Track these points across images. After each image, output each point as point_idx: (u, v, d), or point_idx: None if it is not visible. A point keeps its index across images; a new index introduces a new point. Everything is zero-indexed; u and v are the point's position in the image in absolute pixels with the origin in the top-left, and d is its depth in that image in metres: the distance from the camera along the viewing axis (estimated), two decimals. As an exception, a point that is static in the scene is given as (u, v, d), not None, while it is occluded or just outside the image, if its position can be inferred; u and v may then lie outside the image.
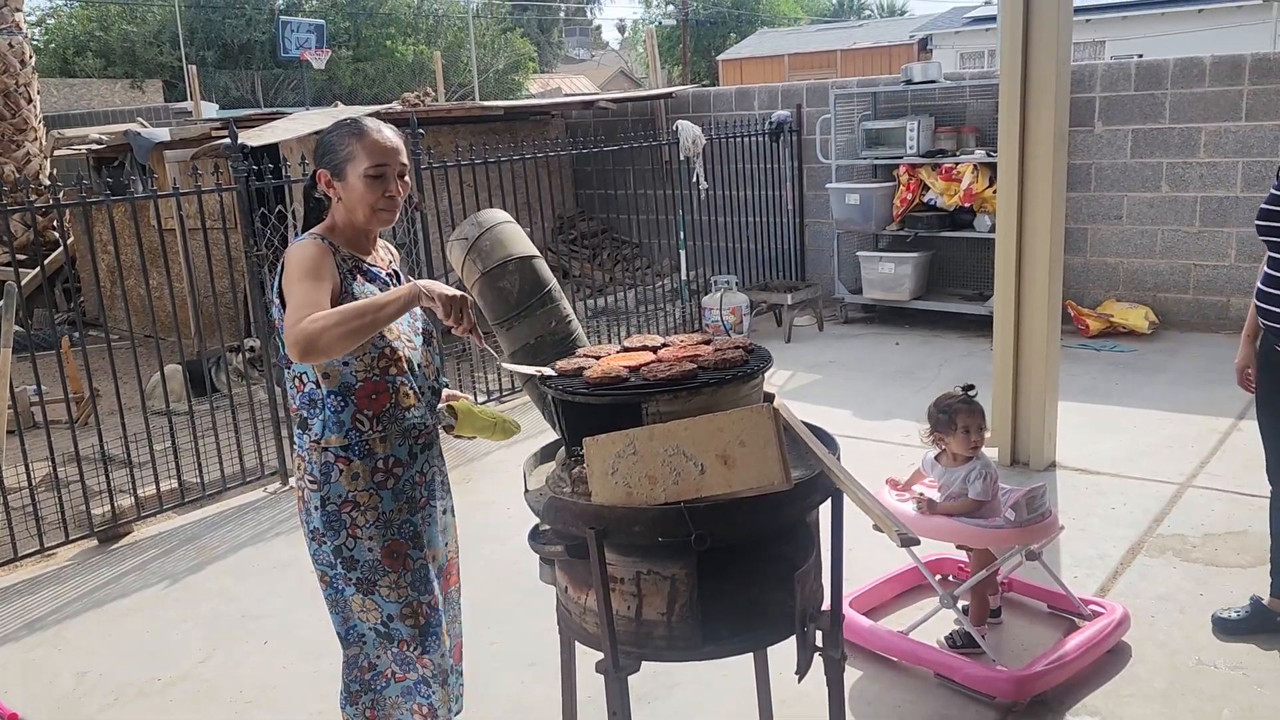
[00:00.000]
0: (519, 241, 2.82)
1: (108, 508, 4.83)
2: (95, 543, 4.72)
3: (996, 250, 5.05)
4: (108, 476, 4.84)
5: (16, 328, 5.48)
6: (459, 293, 2.25)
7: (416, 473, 2.53)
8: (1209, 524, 4.28)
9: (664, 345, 2.42)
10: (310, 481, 2.44)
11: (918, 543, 1.89)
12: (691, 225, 8.28)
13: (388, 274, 2.55)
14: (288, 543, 4.59)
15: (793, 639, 2.11)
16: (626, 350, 2.42)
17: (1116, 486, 4.74)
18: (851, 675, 3.35)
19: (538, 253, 2.85)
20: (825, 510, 2.25)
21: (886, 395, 6.35)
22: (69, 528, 4.68)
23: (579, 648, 2.43)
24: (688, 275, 8.24)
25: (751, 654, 2.77)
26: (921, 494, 3.49)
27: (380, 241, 2.57)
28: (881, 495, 3.60)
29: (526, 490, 2.30)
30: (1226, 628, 3.43)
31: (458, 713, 2.73)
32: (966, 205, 7.75)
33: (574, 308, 2.46)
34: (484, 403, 2.70)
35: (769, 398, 2.31)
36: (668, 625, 2.10)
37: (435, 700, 2.57)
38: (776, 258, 9.09)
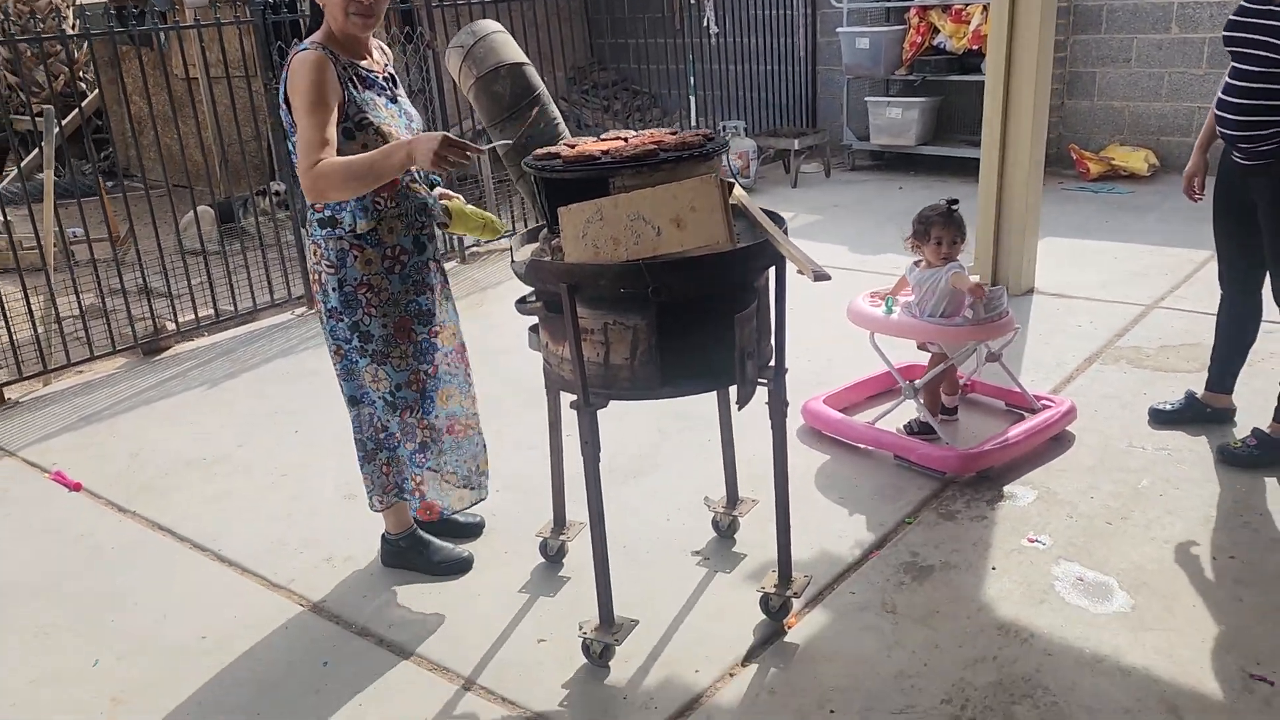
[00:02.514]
0: (510, 49, 3.07)
1: (150, 326, 5.25)
2: (140, 355, 5.15)
3: (986, 88, 5.21)
4: (149, 302, 5.26)
5: (55, 176, 5.80)
6: (439, 147, 2.40)
7: (422, 260, 2.88)
8: (1166, 337, 4.58)
9: (635, 136, 2.70)
10: (329, 267, 2.79)
11: (828, 278, 2.20)
12: (703, 73, 8.38)
13: (384, 77, 2.83)
14: (316, 355, 5.00)
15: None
16: (601, 139, 2.70)
17: (1087, 308, 5.03)
18: (818, 460, 3.74)
19: (527, 60, 3.09)
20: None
21: (883, 234, 6.60)
22: (116, 341, 5.10)
23: (564, 429, 2.81)
24: (696, 122, 8.39)
25: (725, 446, 3.15)
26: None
27: (375, 43, 2.84)
28: (857, 301, 3.92)
29: (513, 261, 2.63)
30: (1160, 417, 3.77)
31: (482, 473, 3.14)
32: (975, 48, 7.79)
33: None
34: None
35: (729, 187, 2.60)
36: (631, 369, 2.45)
37: (436, 463, 2.98)
38: (787, 106, 9.18)
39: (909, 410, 3.84)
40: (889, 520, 3.29)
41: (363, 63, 2.76)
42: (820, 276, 2.18)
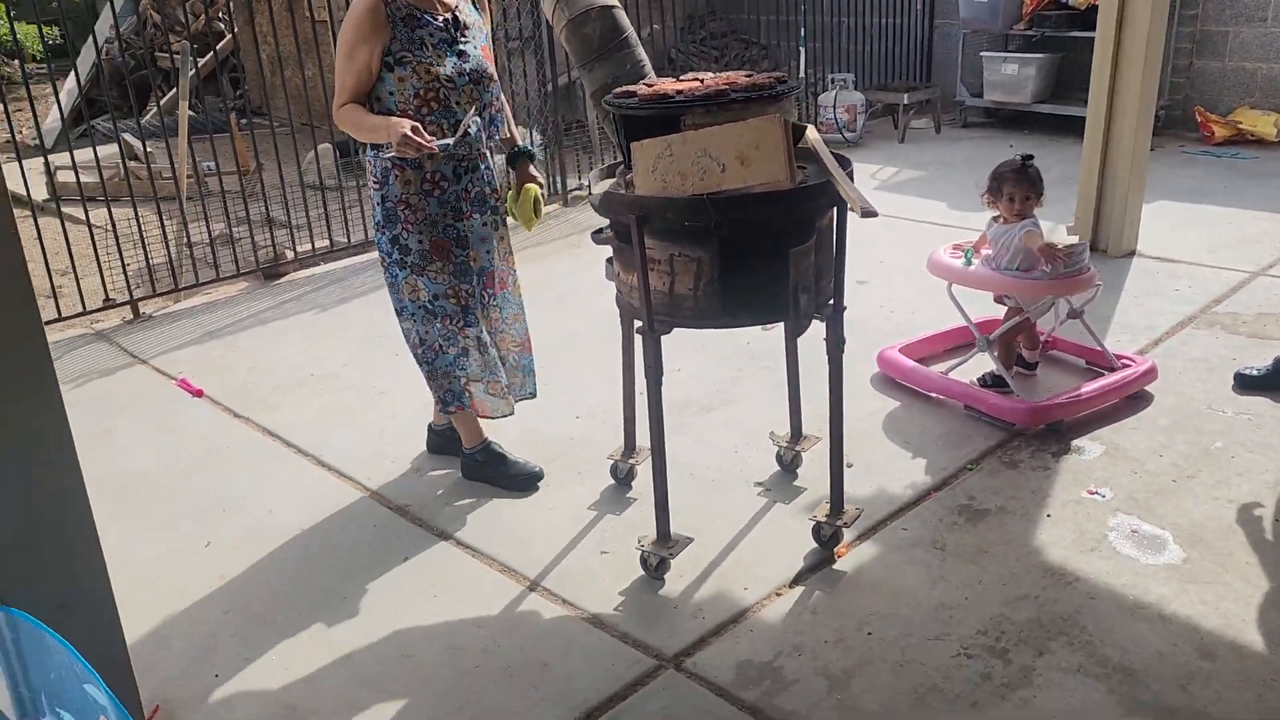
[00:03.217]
0: (601, -8, 3.20)
1: (271, 253, 5.63)
2: (260, 280, 5.54)
3: (1096, 41, 5.09)
4: (271, 232, 5.63)
5: (190, 112, 6.22)
6: (401, 137, 2.79)
7: (460, 189, 3.08)
8: (1267, 305, 4.46)
9: (712, 78, 2.82)
10: (375, 183, 3.08)
11: (875, 214, 2.30)
12: (816, 25, 8.32)
13: (445, 20, 3.01)
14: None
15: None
16: (679, 80, 2.82)
17: (1188, 273, 4.91)
18: (889, 405, 3.82)
19: (617, 3, 3.22)
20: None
21: (986, 191, 6.50)
22: (239, 266, 5.49)
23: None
24: (805, 73, 8.35)
25: (790, 381, 3.27)
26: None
27: None
28: (938, 252, 3.95)
29: (589, 194, 2.79)
30: (1245, 381, 3.71)
31: (531, 393, 3.38)
32: (1098, 4, 7.52)
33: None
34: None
35: (801, 129, 2.70)
36: (694, 299, 2.59)
37: (475, 368, 3.20)
38: (900, 59, 9.04)
39: (987, 364, 3.87)
40: (950, 466, 3.37)
41: (424, 6, 2.96)
42: (868, 213, 2.27)
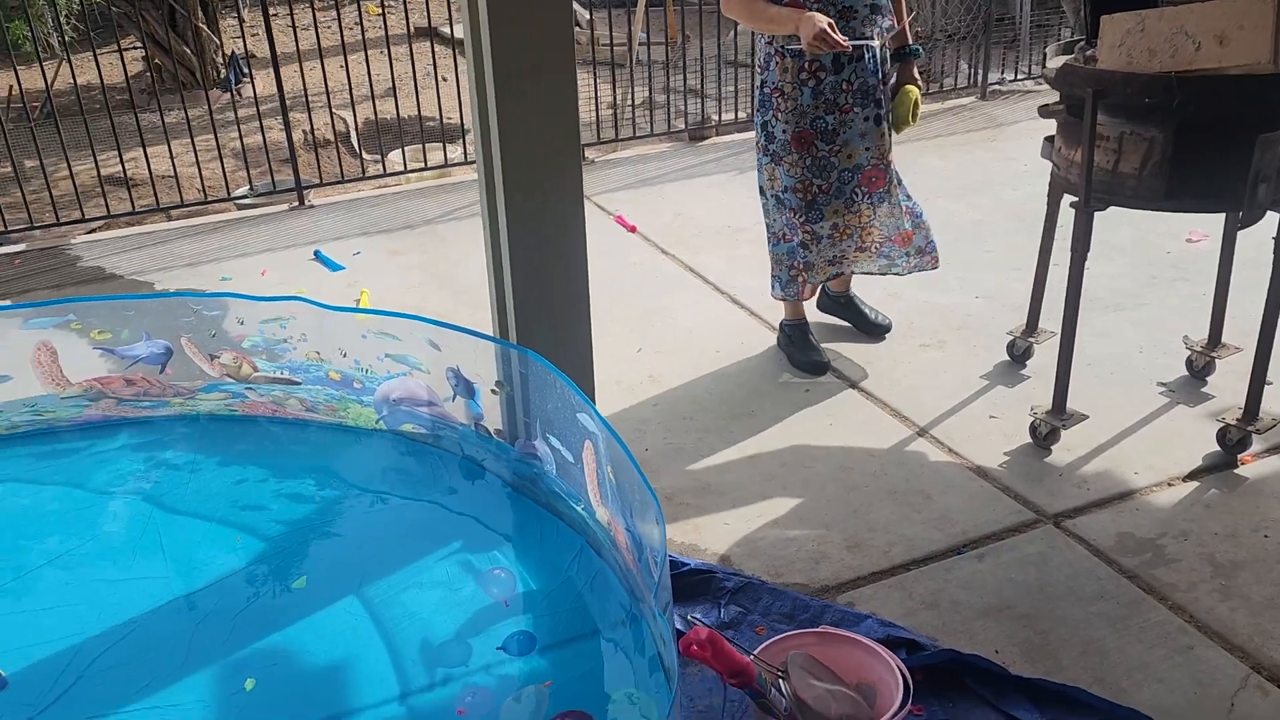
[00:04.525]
0: None
1: (699, 118, 6.12)
2: (686, 140, 6.05)
3: None
4: (701, 100, 6.10)
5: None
6: (815, 33, 2.88)
7: (841, 80, 3.12)
8: None
9: (1199, -44, 2.74)
10: (759, 68, 3.24)
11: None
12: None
13: None
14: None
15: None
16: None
17: None
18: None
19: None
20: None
21: None
22: (670, 126, 6.03)
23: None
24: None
25: (1219, 281, 3.16)
26: None
27: None
28: None
29: (1044, 67, 2.85)
30: None
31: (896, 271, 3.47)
32: None
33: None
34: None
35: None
36: (1138, 179, 2.61)
37: (809, 258, 3.34)
38: None
39: None
40: (1391, 401, 3.12)
41: None
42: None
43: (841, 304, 3.68)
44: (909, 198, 3.39)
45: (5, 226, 5.08)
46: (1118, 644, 2.27)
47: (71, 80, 5.98)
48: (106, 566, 2.57)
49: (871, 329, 3.63)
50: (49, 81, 5.59)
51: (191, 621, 2.37)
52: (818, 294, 3.66)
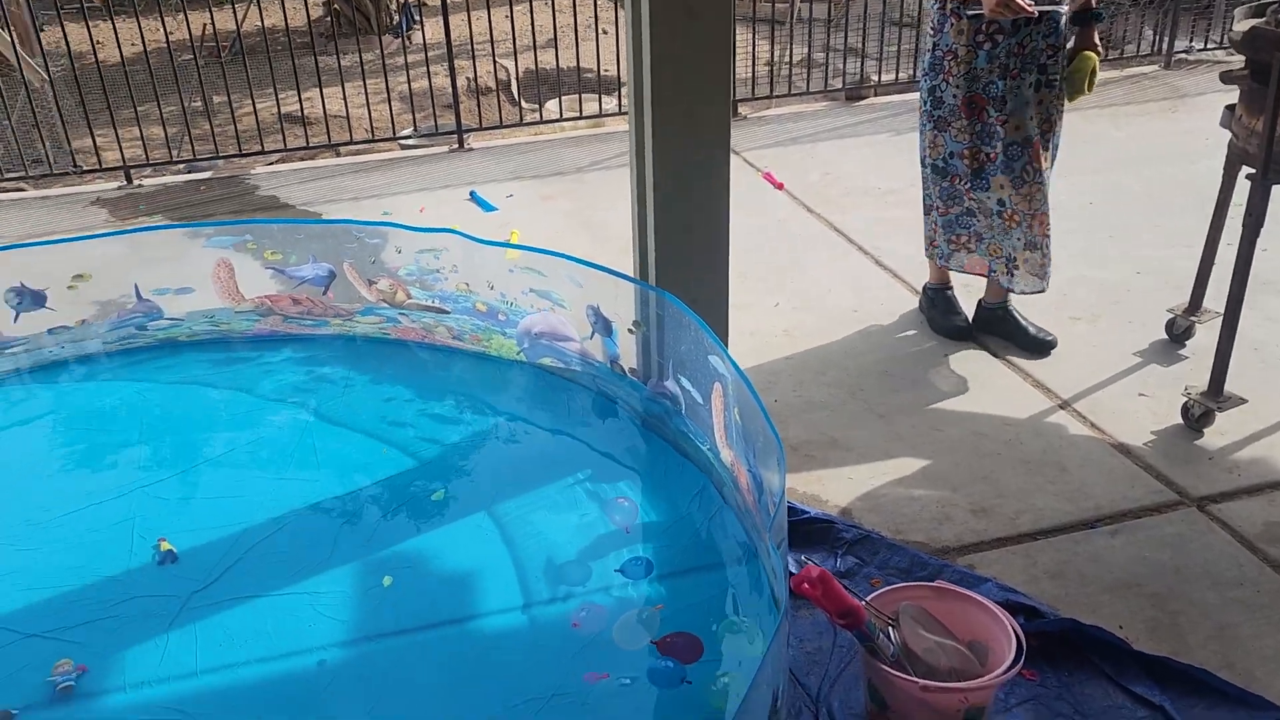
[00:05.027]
0: None
1: (858, 77, 6.00)
2: (842, 100, 5.95)
3: None
4: (861, 60, 5.98)
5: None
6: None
7: (1015, 42, 2.96)
8: None
9: None
10: (931, 30, 3.10)
11: None
12: None
13: None
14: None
15: None
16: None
17: None
18: None
19: None
20: None
21: None
22: (827, 85, 5.95)
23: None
24: None
25: None
26: None
27: None
28: None
29: (1231, 30, 2.69)
30: None
31: (1014, 266, 3.22)
32: None
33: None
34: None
35: None
36: (1324, 150, 2.45)
37: (978, 228, 3.19)
38: None
39: None
40: None
41: None
42: None
43: (999, 316, 3.35)
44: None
45: (194, 155, 5.48)
46: (1253, 631, 2.18)
47: (260, 22, 6.33)
48: (266, 465, 2.79)
49: (1033, 346, 3.27)
50: (239, 22, 5.96)
51: (338, 521, 2.55)
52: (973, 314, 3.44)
